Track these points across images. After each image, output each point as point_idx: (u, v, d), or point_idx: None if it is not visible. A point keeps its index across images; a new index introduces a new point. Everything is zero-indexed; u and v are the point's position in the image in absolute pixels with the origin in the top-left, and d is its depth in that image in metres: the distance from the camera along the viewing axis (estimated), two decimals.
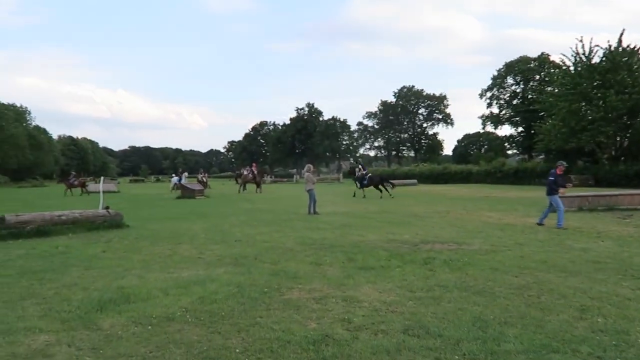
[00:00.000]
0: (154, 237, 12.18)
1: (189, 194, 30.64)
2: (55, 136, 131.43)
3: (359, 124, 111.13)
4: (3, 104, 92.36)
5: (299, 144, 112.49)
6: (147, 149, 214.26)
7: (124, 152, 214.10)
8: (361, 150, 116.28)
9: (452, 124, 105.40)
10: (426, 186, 47.32)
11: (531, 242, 10.75)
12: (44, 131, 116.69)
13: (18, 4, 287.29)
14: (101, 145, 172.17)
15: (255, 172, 38.86)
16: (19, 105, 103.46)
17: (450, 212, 18.07)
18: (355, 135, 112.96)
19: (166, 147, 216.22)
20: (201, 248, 10.45)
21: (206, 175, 47.09)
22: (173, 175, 47.92)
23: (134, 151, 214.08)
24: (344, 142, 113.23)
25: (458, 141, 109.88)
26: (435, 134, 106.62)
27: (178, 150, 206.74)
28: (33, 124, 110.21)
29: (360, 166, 31.49)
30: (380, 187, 28.68)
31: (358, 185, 29.72)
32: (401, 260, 8.71)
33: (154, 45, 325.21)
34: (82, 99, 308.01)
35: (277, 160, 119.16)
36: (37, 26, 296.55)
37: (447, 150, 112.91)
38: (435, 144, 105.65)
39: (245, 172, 40.78)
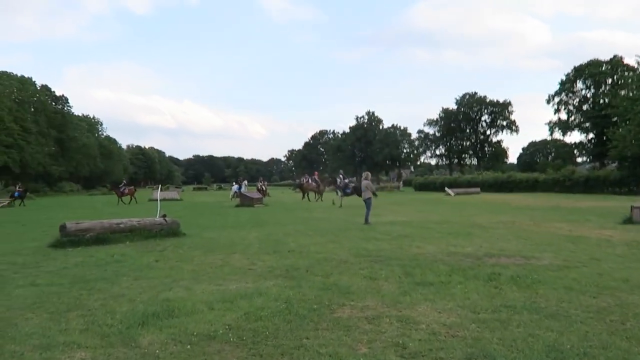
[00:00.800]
0: (207, 246, 12.04)
1: (247, 202, 30.78)
2: (124, 145, 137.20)
3: (420, 131, 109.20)
4: (77, 115, 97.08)
5: (359, 152, 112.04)
6: (211, 158, 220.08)
7: (188, 160, 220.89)
8: (422, 159, 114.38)
9: (517, 131, 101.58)
10: (490, 195, 45.65)
11: (609, 258, 9.79)
12: (114, 141, 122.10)
13: (92, 22, 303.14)
14: (167, 154, 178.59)
15: (319, 181, 39.05)
16: (91, 116, 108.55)
17: (516, 223, 17.07)
18: (416, 143, 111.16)
19: (229, 156, 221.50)
20: (253, 258, 10.17)
21: (265, 183, 47.40)
22: (234, 183, 48.50)
23: (198, 160, 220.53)
24: (404, 150, 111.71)
25: (523, 149, 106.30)
26: (499, 142, 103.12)
27: (240, 159, 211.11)
28: (104, 134, 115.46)
29: (341, 175, 33.02)
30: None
31: (340, 193, 30.11)
32: (463, 275, 8.06)
33: (217, 56, 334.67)
34: (150, 109, 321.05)
35: (336, 169, 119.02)
36: (108, 42, 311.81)
37: (512, 158, 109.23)
38: (499, 152, 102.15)
39: (304, 181, 40.90)
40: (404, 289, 7.14)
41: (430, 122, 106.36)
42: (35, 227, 18.31)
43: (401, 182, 79.61)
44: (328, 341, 4.92)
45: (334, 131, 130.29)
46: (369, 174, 20.18)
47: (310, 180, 40.22)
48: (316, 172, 43.56)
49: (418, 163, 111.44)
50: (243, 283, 7.74)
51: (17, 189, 41.23)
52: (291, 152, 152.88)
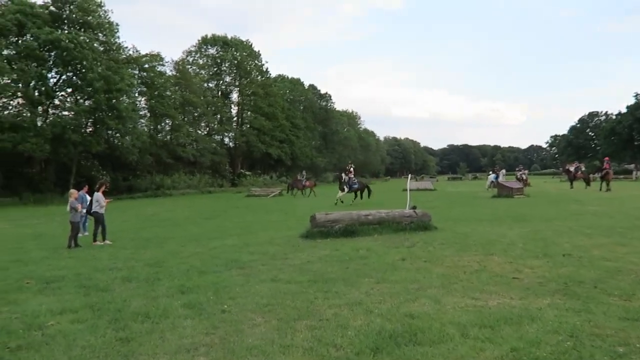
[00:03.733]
0: (461, 244, 10.48)
1: (506, 192, 28.03)
2: (381, 138, 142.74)
3: None
4: (339, 110, 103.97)
5: (638, 135, 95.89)
6: (465, 147, 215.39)
7: (443, 150, 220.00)
8: None
9: None
10: None
11: None
12: (372, 133, 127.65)
13: (349, 23, 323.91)
14: (422, 144, 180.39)
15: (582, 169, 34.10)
16: (351, 110, 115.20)
17: None
18: None
19: (484, 145, 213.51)
20: (517, 263, 8.29)
21: (526, 172, 43.23)
22: (490, 172, 45.47)
23: (452, 149, 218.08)
24: None
25: None
26: None
27: (496, 147, 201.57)
28: (362, 127, 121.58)
29: (348, 168, 27.38)
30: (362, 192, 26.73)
31: (346, 189, 25.97)
32: None
33: (469, 44, 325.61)
34: (404, 101, 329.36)
35: (609, 155, 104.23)
36: (364, 40, 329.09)
37: None
38: None
39: (571, 169, 36.15)
40: None
41: None
42: (294, 216, 19.08)
43: None
44: None
45: (606, 112, 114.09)
46: None
47: (576, 170, 35.33)
48: (580, 163, 38.10)
49: None
50: (506, 298, 6.03)
51: (299, 177, 45.09)
52: (554, 137, 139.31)
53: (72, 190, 12.89)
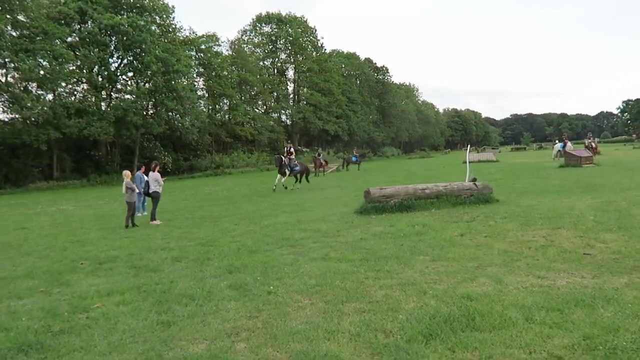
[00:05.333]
0: (525, 217, 9.80)
1: (574, 161, 26.54)
2: (440, 110, 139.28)
3: None
4: (396, 83, 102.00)
5: None
6: (530, 116, 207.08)
7: (505, 120, 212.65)
8: None
9: None
10: None
11: None
12: (431, 105, 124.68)
13: None
14: (483, 115, 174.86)
15: None
16: (408, 83, 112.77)
17: None
18: None
19: (550, 113, 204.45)
20: (588, 237, 7.61)
21: (595, 140, 40.89)
22: (556, 141, 43.30)
23: (515, 119, 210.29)
24: None
25: None
26: None
27: (563, 115, 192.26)
28: (421, 99, 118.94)
29: (288, 149, 23.97)
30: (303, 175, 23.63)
31: (288, 172, 22.41)
32: None
33: (528, 15, 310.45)
34: (465, 72, 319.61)
35: None
36: (424, 11, 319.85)
37: None
38: None
39: None
40: None
41: None
42: (350, 192, 18.73)
43: None
44: None
45: None
46: None
47: None
48: None
49: None
50: (577, 277, 5.47)
51: (354, 153, 44.58)
52: (626, 102, 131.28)
53: (126, 172, 13.04)
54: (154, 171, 13.56)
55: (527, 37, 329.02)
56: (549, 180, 18.78)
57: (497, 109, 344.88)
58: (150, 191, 13.46)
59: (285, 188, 21.96)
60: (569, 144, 36.68)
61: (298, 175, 23.39)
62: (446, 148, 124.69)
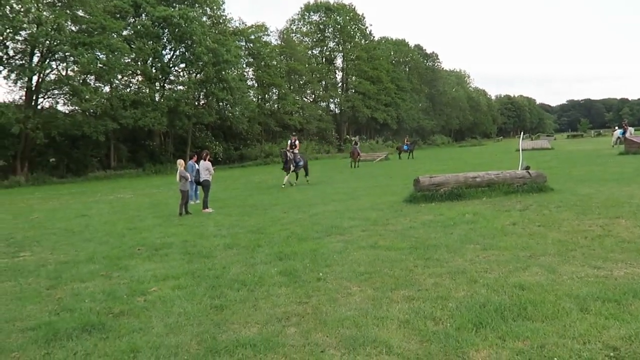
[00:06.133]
0: (581, 206, 9.50)
1: (635, 149, 25.38)
2: (493, 97, 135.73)
3: None
4: (446, 70, 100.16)
5: None
6: (587, 102, 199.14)
7: (561, 107, 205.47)
8: None
9: None
10: None
11: None
12: (483, 92, 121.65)
13: None
14: (538, 102, 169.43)
15: None
16: (459, 69, 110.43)
17: None
18: None
19: (609, 98, 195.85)
20: None
21: None
22: (616, 127, 41.51)
23: (572, 105, 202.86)
24: None
25: None
26: None
27: (623, 100, 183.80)
28: (472, 86, 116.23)
29: (293, 142, 21.36)
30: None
31: (292, 168, 20.18)
32: None
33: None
34: (517, 58, 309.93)
35: None
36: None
37: None
38: None
39: None
40: None
41: None
42: (400, 180, 18.59)
43: None
44: None
45: None
46: None
47: None
48: None
49: None
50: (636, 268, 5.28)
51: (406, 142, 44.16)
52: None
53: (180, 160, 13.41)
54: (205, 160, 13.89)
55: (583, 16, 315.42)
56: (607, 168, 18.06)
57: (552, 95, 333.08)
58: (201, 180, 13.80)
59: (291, 185, 20.23)
60: (629, 130, 35.10)
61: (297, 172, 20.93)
62: (498, 136, 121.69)
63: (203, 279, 6.00)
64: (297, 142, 21.50)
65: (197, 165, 14.65)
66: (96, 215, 14.16)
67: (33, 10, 31.58)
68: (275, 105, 56.84)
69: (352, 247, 7.22)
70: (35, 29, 31.98)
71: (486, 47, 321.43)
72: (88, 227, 11.65)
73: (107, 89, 39.14)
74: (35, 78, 34.17)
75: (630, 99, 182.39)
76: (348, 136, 68.56)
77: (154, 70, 41.83)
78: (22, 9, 31.40)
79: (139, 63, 41.11)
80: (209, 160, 13.95)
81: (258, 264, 6.54)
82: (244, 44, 51.44)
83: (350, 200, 13.52)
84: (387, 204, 11.99)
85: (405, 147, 41.85)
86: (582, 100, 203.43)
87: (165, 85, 43.85)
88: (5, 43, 32.97)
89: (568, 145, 48.20)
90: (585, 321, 3.89)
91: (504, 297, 4.54)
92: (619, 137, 34.55)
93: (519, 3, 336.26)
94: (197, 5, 42.91)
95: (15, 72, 32.79)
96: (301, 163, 20.63)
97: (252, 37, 52.14)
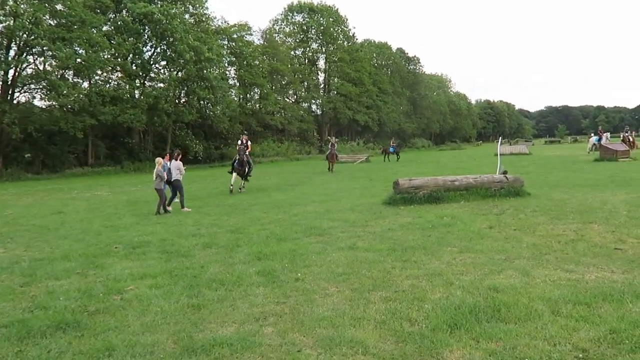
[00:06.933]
0: (556, 211, 9.69)
1: (609, 155, 25.93)
2: (473, 101, 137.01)
3: None
4: (428, 74, 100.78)
5: None
6: (565, 108, 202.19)
7: (540, 112, 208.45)
8: None
9: None
10: None
11: None
12: (464, 97, 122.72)
13: None
14: (517, 107, 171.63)
15: None
16: (440, 74, 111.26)
17: None
18: None
19: (586, 105, 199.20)
20: (620, 232, 7.50)
21: (633, 133, 39.80)
22: (592, 134, 42.29)
23: (550, 111, 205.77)
24: None
25: None
26: None
27: (600, 108, 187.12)
28: (453, 90, 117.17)
29: (245, 143, 18.42)
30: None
31: (247, 170, 17.97)
32: None
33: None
34: (497, 63, 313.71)
35: None
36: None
37: None
38: None
39: None
40: None
41: None
42: (380, 183, 18.69)
43: None
44: None
45: None
46: None
47: None
48: None
49: None
50: (607, 272, 5.42)
51: (392, 144, 44.24)
52: None
53: (159, 159, 13.29)
54: (176, 160, 13.84)
55: (561, 27, 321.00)
56: (582, 174, 18.43)
57: (532, 101, 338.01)
58: (172, 179, 13.68)
59: (240, 190, 17.94)
60: (605, 136, 35.82)
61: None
62: (478, 140, 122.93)
63: (181, 278, 5.97)
64: (249, 142, 19.06)
65: (168, 164, 14.57)
66: (72, 212, 13.98)
67: (10, 2, 31.05)
68: (257, 105, 56.61)
69: (331, 248, 7.26)
70: (12, 21, 31.41)
71: (468, 51, 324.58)
72: (64, 224, 11.51)
73: (85, 84, 38.61)
74: (11, 72, 33.56)
75: (606, 106, 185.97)
76: (329, 137, 68.73)
77: (134, 67, 41.31)
78: None
79: (119, 59, 40.57)
80: (180, 160, 13.92)
81: (237, 264, 6.54)
82: (226, 42, 51.16)
83: (331, 201, 13.57)
84: (366, 205, 12.06)
85: (391, 149, 41.98)
86: (560, 106, 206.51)
87: (145, 82, 43.35)
88: None
89: (545, 150, 48.95)
90: (557, 323, 3.99)
91: (478, 299, 4.62)
92: (594, 144, 35.26)
93: (501, 9, 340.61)
94: (179, 2, 42.56)
95: None
96: (252, 164, 18.69)
97: (235, 36, 51.88)
